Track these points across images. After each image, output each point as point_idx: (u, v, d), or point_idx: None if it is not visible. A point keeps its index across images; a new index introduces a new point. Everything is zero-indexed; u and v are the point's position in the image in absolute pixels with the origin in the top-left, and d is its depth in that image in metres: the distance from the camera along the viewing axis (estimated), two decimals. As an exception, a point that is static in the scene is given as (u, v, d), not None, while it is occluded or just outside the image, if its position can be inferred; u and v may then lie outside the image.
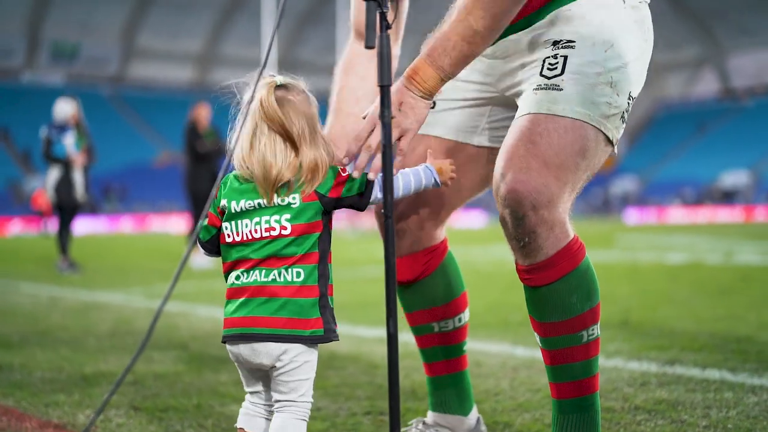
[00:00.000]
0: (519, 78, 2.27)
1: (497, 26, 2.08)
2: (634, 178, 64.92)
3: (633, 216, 52.76)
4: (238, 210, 2.04)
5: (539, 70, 2.17)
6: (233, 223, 2.05)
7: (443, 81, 2.10)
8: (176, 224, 44.75)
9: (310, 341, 1.99)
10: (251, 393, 2.13)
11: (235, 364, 2.09)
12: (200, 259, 10.89)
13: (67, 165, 10.34)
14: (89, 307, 6.55)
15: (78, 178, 10.42)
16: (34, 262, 12.76)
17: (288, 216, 1.98)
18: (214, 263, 10.93)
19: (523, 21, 2.23)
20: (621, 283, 7.40)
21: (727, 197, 56.43)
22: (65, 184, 10.33)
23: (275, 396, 2.04)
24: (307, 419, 2.04)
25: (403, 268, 2.46)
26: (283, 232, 1.98)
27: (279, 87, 2.11)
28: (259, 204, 2.01)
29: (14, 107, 54.83)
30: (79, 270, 10.16)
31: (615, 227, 34.33)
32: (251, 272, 2.01)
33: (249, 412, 2.13)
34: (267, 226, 1.99)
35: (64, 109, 10.68)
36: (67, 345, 4.61)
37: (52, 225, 10.69)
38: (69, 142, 10.43)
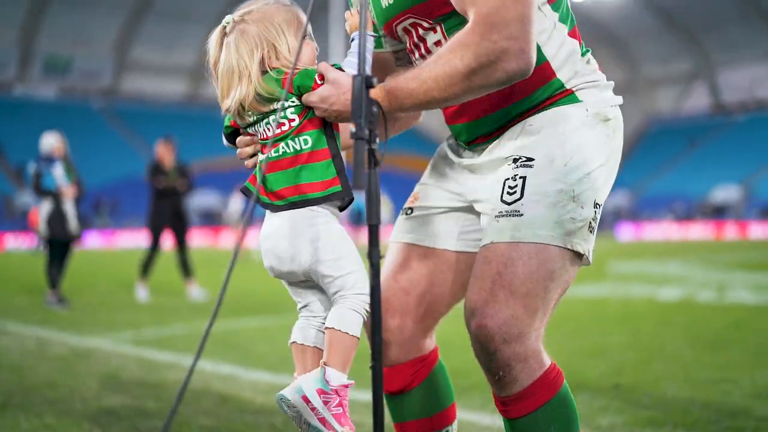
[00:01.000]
0: (482, 196, 2.26)
1: (452, 101, 2.08)
2: (626, 193, 65.02)
3: (625, 232, 52.83)
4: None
5: (500, 194, 2.16)
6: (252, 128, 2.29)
7: (384, 108, 2.09)
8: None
9: (328, 200, 2.12)
10: (301, 308, 2.25)
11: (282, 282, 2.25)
12: (143, 293, 10.94)
13: (57, 197, 10.28)
14: (77, 356, 6.49)
15: (70, 210, 10.36)
16: (23, 291, 12.68)
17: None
18: (150, 298, 10.90)
19: (486, 128, 2.24)
20: (613, 329, 7.37)
21: (719, 212, 56.53)
22: (57, 216, 10.26)
23: (330, 291, 2.13)
24: (362, 312, 2.10)
25: (390, 379, 2.43)
26: (292, 125, 2.17)
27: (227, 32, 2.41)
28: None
29: (6, 120, 54.72)
30: (68, 305, 10.09)
31: (607, 246, 34.36)
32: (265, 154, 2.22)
33: (301, 325, 2.23)
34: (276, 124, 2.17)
35: (49, 141, 10.64)
36: (53, 408, 4.55)
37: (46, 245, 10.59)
38: (58, 173, 10.38)
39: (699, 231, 50.95)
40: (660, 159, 67.29)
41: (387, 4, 2.29)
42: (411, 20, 2.27)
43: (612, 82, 2.31)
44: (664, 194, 61.22)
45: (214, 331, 7.86)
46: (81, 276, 14.99)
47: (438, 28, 2.24)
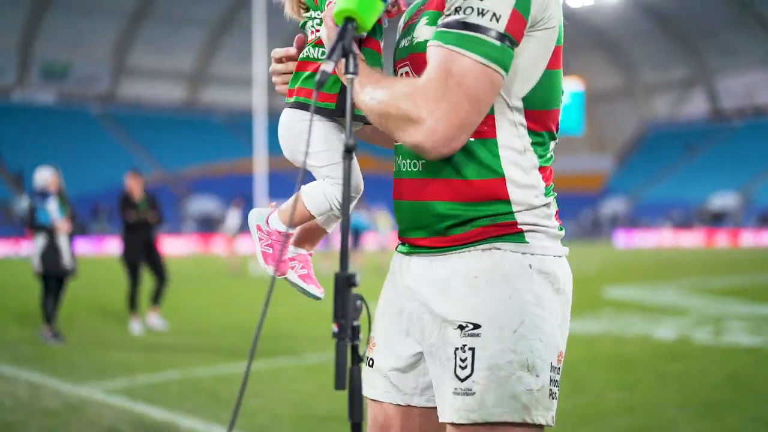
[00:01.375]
0: (435, 354, 2.17)
1: (366, 112, 2.10)
2: (624, 199, 65.07)
3: (623, 239, 52.86)
4: None
5: (453, 367, 2.10)
6: None
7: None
8: (171, 246, 44.68)
9: (319, 112, 2.29)
10: None
11: None
12: (137, 326, 10.94)
13: (51, 232, 10.24)
14: (69, 409, 6.47)
15: (64, 245, 10.32)
16: (18, 320, 12.65)
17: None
18: (143, 331, 10.87)
19: (426, 221, 2.20)
20: (608, 381, 7.34)
21: (716, 219, 56.56)
22: (51, 251, 10.23)
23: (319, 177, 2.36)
24: (330, 201, 2.30)
25: None
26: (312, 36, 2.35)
27: None
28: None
29: (4, 126, 54.68)
30: (63, 340, 10.06)
31: (605, 255, 34.36)
32: None
33: None
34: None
35: (44, 175, 10.60)
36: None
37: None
38: (52, 208, 10.33)
39: (696, 239, 50.98)
40: (658, 165, 67.30)
41: (403, 45, 2.28)
42: (406, 68, 2.25)
43: (563, 232, 2.22)
44: (662, 201, 61.25)
45: (206, 379, 7.83)
46: (78, 291, 14.93)
47: None
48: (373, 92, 2.05)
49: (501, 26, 1.98)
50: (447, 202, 2.15)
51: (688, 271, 21.97)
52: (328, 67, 1.91)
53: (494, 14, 1.98)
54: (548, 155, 2.21)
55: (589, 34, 69.32)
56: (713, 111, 69.81)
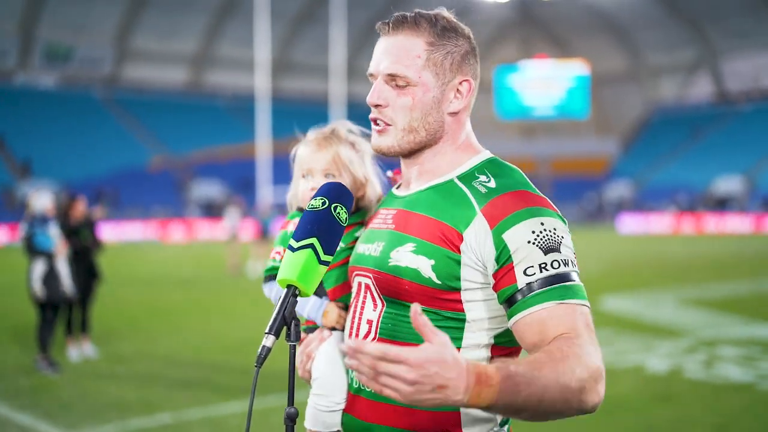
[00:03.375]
0: None
1: (541, 416, 1.86)
2: (629, 183, 64.97)
3: (627, 224, 52.80)
4: None
5: None
6: None
7: (490, 402, 1.80)
8: (174, 232, 44.80)
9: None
10: None
11: None
12: (75, 352, 10.95)
13: (51, 257, 10.24)
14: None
15: (63, 269, 10.32)
16: (15, 340, 12.69)
17: None
18: (81, 358, 10.89)
19: None
20: (595, 428, 7.37)
21: (721, 204, 56.47)
22: (52, 277, 10.22)
23: None
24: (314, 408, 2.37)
25: None
26: None
27: None
28: None
29: (7, 109, 54.65)
30: (59, 370, 10.10)
31: (608, 241, 34.38)
32: None
33: None
34: None
35: (42, 202, 10.55)
36: None
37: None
38: (54, 233, 10.32)
39: (700, 225, 50.89)
40: (663, 149, 67.13)
41: (366, 253, 2.23)
42: (368, 281, 2.21)
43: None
44: (667, 185, 61.14)
45: (198, 423, 7.87)
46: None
47: (379, 307, 2.19)
48: (535, 388, 1.81)
49: (577, 267, 2.06)
50: (395, 428, 2.13)
51: (690, 275, 21.97)
52: (267, 341, 1.92)
53: (572, 260, 2.06)
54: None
55: (594, 17, 68.95)
56: (719, 94, 69.49)
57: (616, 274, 22.11)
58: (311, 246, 1.98)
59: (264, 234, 23.41)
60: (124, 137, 58.49)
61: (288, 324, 1.94)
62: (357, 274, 2.26)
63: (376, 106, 2.20)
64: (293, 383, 1.95)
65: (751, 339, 11.84)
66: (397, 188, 2.35)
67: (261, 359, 1.90)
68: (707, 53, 68.20)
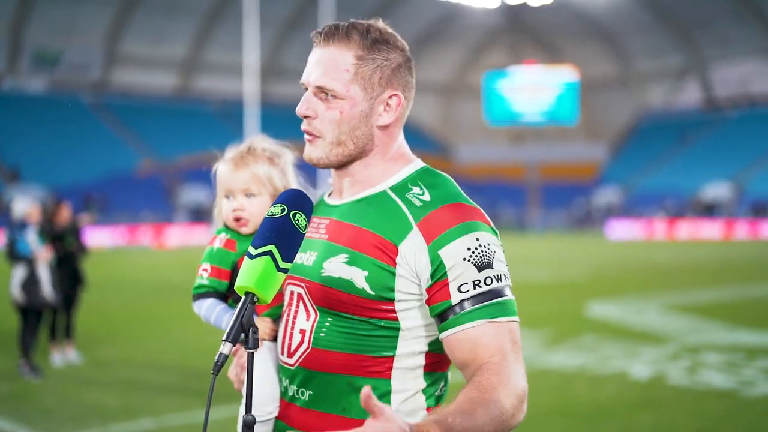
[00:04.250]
0: None
1: None
2: (617, 188, 65.15)
3: (615, 230, 52.88)
4: None
5: None
6: None
7: None
8: (162, 237, 44.67)
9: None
10: None
11: None
12: (58, 357, 10.90)
13: (31, 263, 10.20)
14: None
15: (44, 275, 10.28)
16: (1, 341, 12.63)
17: None
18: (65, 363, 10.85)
19: None
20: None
21: (709, 210, 56.67)
22: (32, 283, 10.18)
23: None
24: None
25: None
26: None
27: None
28: None
29: (-5, 114, 54.47)
30: (41, 375, 10.06)
31: (596, 249, 34.43)
32: None
33: None
34: None
35: (21, 207, 10.53)
36: None
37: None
38: (32, 239, 10.29)
39: (688, 231, 51.03)
40: (651, 154, 67.36)
41: (298, 261, 2.21)
42: (300, 291, 2.21)
43: None
44: (656, 190, 61.35)
45: (180, 429, 7.84)
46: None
47: (313, 317, 2.17)
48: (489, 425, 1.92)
49: (509, 281, 2.10)
50: None
51: (676, 281, 22.05)
52: (225, 349, 1.91)
53: (505, 274, 2.08)
54: (438, 393, 2.20)
55: (583, 23, 69.16)
56: (707, 100, 69.77)
57: (602, 280, 22.15)
58: (269, 253, 1.96)
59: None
60: (112, 142, 58.35)
61: (246, 331, 1.92)
62: (290, 283, 2.24)
63: (305, 117, 2.20)
64: (251, 390, 1.94)
65: (735, 345, 11.87)
66: (329, 195, 2.33)
67: (218, 366, 1.90)
68: (695, 60, 68.48)
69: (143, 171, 57.28)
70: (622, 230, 52.69)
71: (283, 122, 45.38)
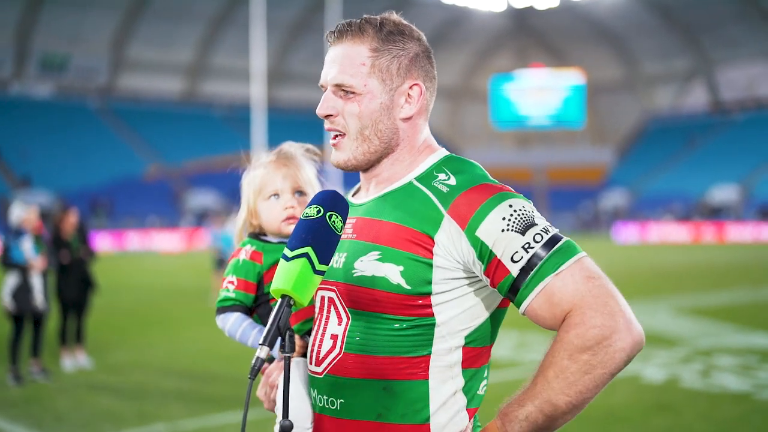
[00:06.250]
0: None
1: (581, 404, 1.95)
2: (624, 191, 65.03)
3: (623, 233, 52.80)
4: None
5: None
6: None
7: None
8: (166, 241, 44.67)
9: None
10: None
11: None
12: (69, 362, 10.87)
13: (25, 271, 10.14)
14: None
15: (37, 284, 10.22)
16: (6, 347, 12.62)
17: None
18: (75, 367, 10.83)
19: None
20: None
21: (716, 213, 56.52)
22: (23, 290, 10.13)
23: None
24: None
25: None
26: None
27: None
28: None
29: (2, 119, 54.57)
30: (50, 377, 10.06)
31: (604, 251, 34.26)
32: None
33: None
34: None
35: (17, 213, 10.44)
36: None
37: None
38: (26, 247, 10.19)
39: (696, 234, 50.92)
40: (658, 158, 67.23)
41: (333, 265, 2.15)
42: (332, 295, 2.16)
43: None
44: (663, 193, 61.22)
45: (193, 434, 7.82)
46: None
47: (345, 321, 2.12)
48: (558, 387, 1.94)
49: (557, 229, 2.05)
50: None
51: (686, 284, 21.97)
52: (261, 353, 1.88)
53: (550, 225, 2.04)
54: (480, 392, 2.16)
55: (590, 27, 69.10)
56: (714, 103, 69.64)
57: (614, 268, 22.11)
58: (306, 255, 1.93)
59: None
60: (119, 147, 58.42)
61: (282, 335, 1.90)
62: (319, 289, 2.19)
63: (327, 116, 2.17)
64: (287, 395, 1.91)
65: (748, 348, 11.81)
66: (353, 196, 2.30)
67: (255, 371, 1.87)
68: (702, 62, 68.38)
69: (150, 176, 57.34)
70: (628, 233, 52.62)
71: (289, 127, 45.46)
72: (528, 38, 75.11)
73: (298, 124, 58.29)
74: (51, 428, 8.00)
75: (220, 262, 18.68)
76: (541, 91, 70.70)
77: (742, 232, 49.65)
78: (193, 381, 10.29)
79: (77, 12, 57.08)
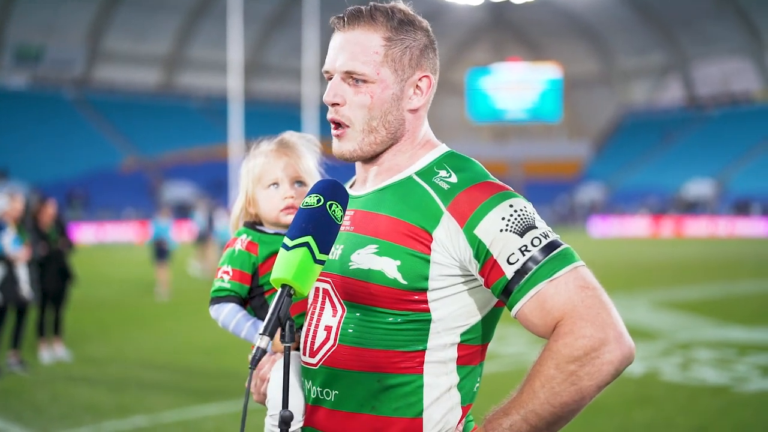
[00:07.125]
0: None
1: (566, 416, 1.92)
2: (600, 185, 65.34)
3: (598, 227, 53.09)
4: None
5: None
6: None
7: None
8: (137, 232, 44.41)
9: None
10: None
11: None
12: (47, 354, 10.79)
13: (9, 263, 10.04)
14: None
15: (23, 274, 10.13)
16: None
17: None
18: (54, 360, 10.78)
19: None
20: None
21: (691, 207, 56.91)
22: (9, 282, 10.04)
23: None
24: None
25: None
26: None
27: None
28: None
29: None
30: (28, 369, 9.99)
31: (579, 245, 34.06)
32: None
33: None
34: None
35: (-2, 205, 10.31)
36: None
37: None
38: (6, 241, 10.05)
39: (671, 229, 51.27)
40: (634, 152, 67.61)
41: (329, 256, 2.10)
42: (326, 286, 2.14)
43: None
44: (638, 188, 61.56)
45: (174, 426, 7.78)
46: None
47: (340, 312, 2.10)
48: (543, 397, 1.91)
49: (557, 235, 2.02)
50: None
51: (662, 278, 22.12)
52: (262, 342, 1.87)
53: (550, 230, 2.01)
54: (474, 389, 2.14)
55: (566, 21, 69.32)
56: (689, 98, 70.08)
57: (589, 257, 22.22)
58: (306, 244, 1.91)
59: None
60: (95, 138, 58.00)
61: (282, 325, 1.88)
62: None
63: (333, 104, 2.13)
64: (287, 387, 1.90)
65: (725, 341, 11.92)
66: (350, 187, 2.26)
67: (255, 361, 1.85)
68: (678, 58, 68.79)
69: (126, 167, 56.99)
70: (604, 227, 52.91)
71: (266, 119, 45.35)
72: (505, 32, 75.24)
73: (275, 116, 58.15)
74: (30, 420, 7.94)
75: (160, 253, 18.58)
76: (517, 85, 70.86)
77: (716, 227, 50.02)
78: (172, 373, 10.24)
79: (52, 2, 56.58)
